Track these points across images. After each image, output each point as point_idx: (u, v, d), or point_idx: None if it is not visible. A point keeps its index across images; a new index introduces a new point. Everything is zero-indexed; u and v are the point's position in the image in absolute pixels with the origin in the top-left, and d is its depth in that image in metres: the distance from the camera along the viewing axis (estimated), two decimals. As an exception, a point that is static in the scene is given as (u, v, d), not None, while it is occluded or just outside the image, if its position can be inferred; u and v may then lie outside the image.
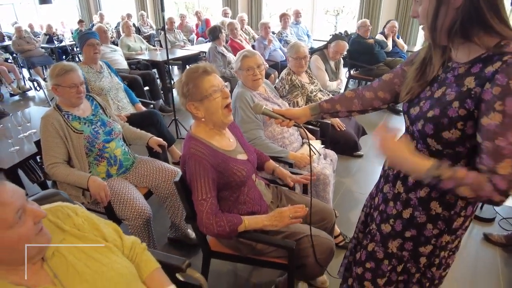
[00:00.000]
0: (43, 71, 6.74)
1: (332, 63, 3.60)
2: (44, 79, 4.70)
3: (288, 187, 1.82)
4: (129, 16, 8.88)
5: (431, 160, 0.91)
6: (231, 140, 1.55)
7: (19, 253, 0.88)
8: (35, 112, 2.52)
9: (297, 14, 6.31)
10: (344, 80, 5.69)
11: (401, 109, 1.15)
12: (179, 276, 1.25)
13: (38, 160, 2.46)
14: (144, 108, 3.16)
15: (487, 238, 2.40)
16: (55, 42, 7.32)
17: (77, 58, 7.50)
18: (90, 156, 1.96)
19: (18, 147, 2.19)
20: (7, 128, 2.13)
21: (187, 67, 6.10)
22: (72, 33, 9.13)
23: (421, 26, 0.97)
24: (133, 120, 2.65)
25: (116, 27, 8.73)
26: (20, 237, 0.86)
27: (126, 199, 1.85)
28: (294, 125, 1.38)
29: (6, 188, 0.87)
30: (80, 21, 8.22)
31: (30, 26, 8.79)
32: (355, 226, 1.44)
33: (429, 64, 1.01)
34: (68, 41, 7.78)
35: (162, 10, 3.20)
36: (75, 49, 7.87)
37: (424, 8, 0.90)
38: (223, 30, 4.48)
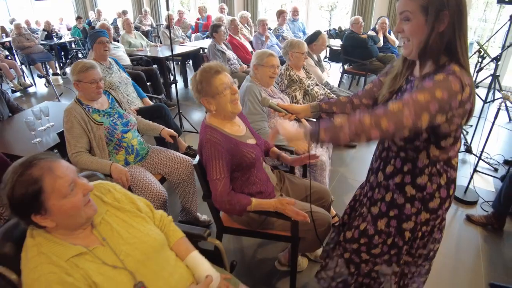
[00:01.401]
0: (43, 68, 6.85)
1: (315, 57, 3.86)
2: (43, 76, 4.83)
3: (290, 172, 2.04)
4: (125, 12, 8.98)
5: (302, 130, 1.18)
6: (241, 127, 1.76)
7: (73, 219, 1.08)
8: (51, 107, 2.70)
9: (295, 11, 6.50)
10: (338, 75, 5.93)
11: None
12: (200, 245, 1.46)
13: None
14: (151, 102, 3.35)
15: (469, 218, 2.65)
16: (54, 38, 7.40)
17: (80, 54, 7.58)
18: (110, 145, 2.15)
19: (40, 139, 2.38)
20: (30, 122, 2.31)
21: (187, 63, 6.27)
22: (68, 30, 9.23)
23: (402, 42, 1.17)
24: (142, 113, 2.83)
25: (112, 23, 8.82)
26: (72, 205, 1.05)
27: (144, 183, 2.05)
28: (295, 119, 1.62)
29: (61, 164, 1.08)
30: (78, 18, 8.30)
31: (27, 22, 8.83)
32: None
33: (399, 76, 1.24)
34: (68, 37, 7.85)
35: (167, 9, 3.38)
36: (73, 45, 7.97)
37: (414, 29, 1.07)
38: (222, 28, 4.61)
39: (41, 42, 7.14)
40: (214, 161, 1.55)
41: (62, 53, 7.76)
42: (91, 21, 9.17)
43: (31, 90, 6.36)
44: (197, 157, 1.70)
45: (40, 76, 5.99)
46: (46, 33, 7.60)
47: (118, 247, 1.15)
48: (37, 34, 7.50)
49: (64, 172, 1.06)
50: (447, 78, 0.99)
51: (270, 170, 1.89)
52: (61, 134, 2.18)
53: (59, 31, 8.43)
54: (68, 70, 7.49)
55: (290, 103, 2.80)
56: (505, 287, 2.03)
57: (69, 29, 9.28)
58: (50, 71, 6.96)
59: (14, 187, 0.99)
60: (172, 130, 2.46)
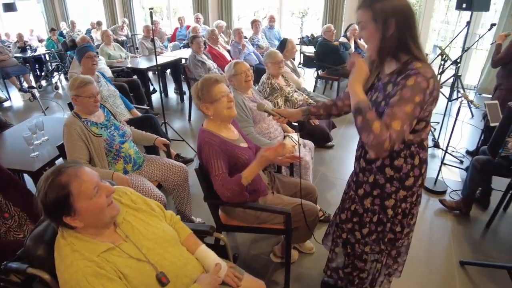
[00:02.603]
0: (19, 81, 6.76)
1: (289, 63, 4.11)
2: (29, 90, 4.84)
3: (278, 172, 2.25)
4: (99, 23, 8.97)
5: (366, 97, 1.29)
6: (235, 132, 1.97)
7: (99, 218, 1.23)
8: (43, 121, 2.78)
9: (271, 19, 6.77)
10: (312, 80, 6.22)
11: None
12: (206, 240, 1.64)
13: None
14: (139, 113, 3.48)
15: (442, 202, 2.95)
16: (28, 51, 7.32)
17: (60, 67, 7.47)
18: (109, 156, 2.29)
19: (37, 153, 2.47)
20: (27, 137, 2.40)
21: (166, 72, 6.36)
22: (40, 41, 9.09)
23: (365, 47, 1.42)
24: (132, 124, 2.96)
25: (86, 34, 8.77)
26: (97, 206, 1.21)
27: (144, 190, 2.20)
28: (287, 123, 1.84)
29: (86, 170, 1.23)
30: (52, 30, 8.24)
31: (-3, 35, 8.69)
32: (331, 204, 1.90)
33: (370, 75, 1.45)
34: (43, 49, 7.76)
35: (152, 22, 3.53)
36: (47, 57, 7.86)
37: (368, 36, 1.33)
38: (199, 39, 4.72)
39: (15, 55, 7.04)
40: (213, 160, 1.74)
41: (37, 65, 7.66)
42: (64, 32, 9.09)
43: (6, 104, 6.27)
44: (198, 162, 1.88)
45: (25, 91, 5.90)
46: (18, 45, 7.48)
47: (140, 243, 1.31)
48: (9, 47, 7.38)
49: (88, 177, 1.21)
50: (417, 80, 1.22)
51: (261, 170, 2.09)
52: (59, 147, 2.30)
53: (27, 41, 8.25)
54: (44, 83, 7.43)
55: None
56: (473, 262, 2.32)
57: (40, 41, 9.13)
58: (25, 84, 6.87)
59: (47, 192, 1.15)
60: (165, 139, 2.62)
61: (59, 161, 2.48)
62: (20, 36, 7.72)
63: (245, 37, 5.99)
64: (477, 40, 4.01)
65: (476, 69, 6.72)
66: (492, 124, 2.70)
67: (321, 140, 3.41)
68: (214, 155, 1.75)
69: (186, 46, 6.74)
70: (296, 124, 3.09)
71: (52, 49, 7.74)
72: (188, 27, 7.64)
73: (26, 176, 2.78)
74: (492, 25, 3.67)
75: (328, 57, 5.45)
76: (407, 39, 1.28)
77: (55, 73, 7.58)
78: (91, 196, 1.19)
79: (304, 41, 7.09)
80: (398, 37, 1.28)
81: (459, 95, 4.99)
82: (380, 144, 1.17)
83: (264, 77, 3.24)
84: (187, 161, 3.65)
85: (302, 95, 3.59)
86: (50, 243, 1.25)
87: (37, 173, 2.30)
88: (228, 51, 5.71)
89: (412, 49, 1.29)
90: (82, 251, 1.18)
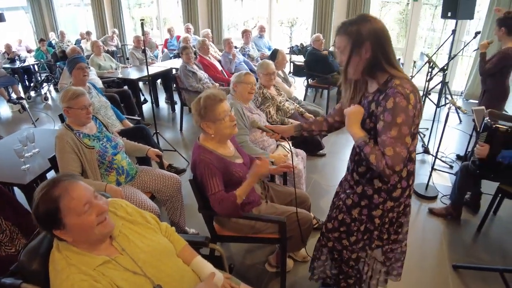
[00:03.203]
0: (7, 92, 6.68)
1: (281, 73, 4.16)
2: (18, 102, 4.79)
3: (271, 181, 2.26)
4: (89, 33, 8.95)
5: (364, 132, 1.40)
6: (231, 148, 1.98)
7: (88, 235, 1.21)
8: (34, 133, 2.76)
9: (262, 29, 6.86)
10: (302, 89, 6.28)
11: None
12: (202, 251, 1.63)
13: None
14: (130, 124, 3.47)
15: (431, 211, 2.98)
16: (17, 62, 7.25)
17: (50, 78, 7.40)
18: (101, 168, 2.27)
19: (28, 165, 2.45)
20: (18, 149, 2.38)
21: (157, 82, 6.34)
22: (28, 52, 9.01)
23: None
24: (124, 135, 2.95)
25: (75, 44, 8.74)
26: (86, 223, 1.18)
27: (138, 201, 2.19)
28: (281, 138, 1.88)
29: (79, 186, 1.22)
30: (41, 40, 8.17)
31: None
32: (324, 211, 1.92)
33: (356, 93, 1.53)
34: (32, 60, 7.70)
35: (143, 34, 3.54)
36: (36, 68, 7.80)
37: (346, 59, 1.39)
38: (189, 49, 4.74)
39: (3, 65, 6.96)
40: (209, 179, 1.75)
41: (26, 76, 7.59)
42: (54, 42, 9.04)
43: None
44: (191, 174, 1.88)
45: (14, 102, 5.82)
46: (8, 56, 7.41)
47: (136, 255, 1.31)
48: (-3, 57, 7.32)
49: (79, 194, 1.20)
50: (395, 101, 1.28)
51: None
52: (51, 159, 2.28)
53: (15, 51, 8.18)
54: (33, 93, 7.35)
55: (266, 118, 3.05)
56: (465, 266, 2.35)
57: (28, 51, 9.06)
58: (14, 95, 6.79)
59: (39, 203, 1.15)
60: (157, 150, 2.61)
61: (51, 173, 2.45)
62: (8, 47, 7.65)
63: (235, 47, 6.04)
64: (463, 48, 4.10)
65: (463, 75, 6.86)
66: (479, 129, 2.75)
67: (313, 149, 3.45)
68: (209, 174, 1.76)
69: (177, 56, 6.76)
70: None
71: (41, 60, 7.68)
72: (178, 37, 7.67)
73: (16, 189, 2.74)
74: (477, 33, 3.77)
75: (317, 66, 5.51)
76: (381, 60, 1.35)
77: (45, 84, 7.52)
78: (80, 213, 1.17)
79: (293, 51, 7.17)
80: (373, 58, 1.35)
81: (447, 101, 5.09)
82: (383, 171, 1.30)
83: (256, 86, 3.26)
84: (179, 171, 3.64)
85: (294, 104, 3.63)
86: (44, 257, 1.24)
87: (28, 186, 2.27)
88: (219, 61, 5.74)
89: (387, 69, 1.36)
90: (78, 264, 1.17)
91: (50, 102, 6.93)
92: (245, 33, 6.27)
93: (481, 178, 2.77)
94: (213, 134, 1.84)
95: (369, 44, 1.33)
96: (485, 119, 2.56)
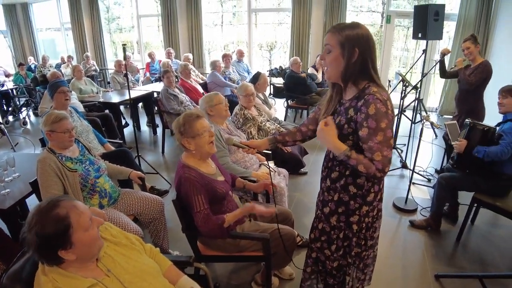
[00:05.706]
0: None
1: (261, 95, 4.27)
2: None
3: (254, 199, 2.30)
4: (70, 58, 8.93)
5: (345, 145, 1.44)
6: (212, 166, 2.02)
7: (91, 250, 1.24)
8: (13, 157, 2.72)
9: (241, 54, 7.04)
10: (283, 110, 6.41)
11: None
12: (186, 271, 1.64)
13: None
14: (112, 148, 3.46)
15: (412, 223, 3.06)
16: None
17: (30, 102, 7.29)
18: (84, 190, 2.26)
19: (8, 190, 2.41)
20: (-2, 174, 2.35)
21: (138, 106, 6.35)
22: (6, 76, 8.88)
23: (325, 68, 1.53)
24: (107, 158, 2.95)
25: (56, 68, 8.69)
26: (92, 237, 1.22)
27: (121, 224, 2.18)
28: (257, 152, 1.90)
29: (79, 203, 1.25)
30: (21, 64, 8.10)
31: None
32: (308, 228, 1.96)
33: (331, 100, 1.58)
34: (11, 84, 7.59)
35: (125, 58, 3.59)
36: (15, 92, 7.68)
37: (332, 59, 1.44)
38: (170, 73, 4.83)
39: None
40: (194, 196, 1.78)
41: (4, 100, 7.47)
42: (33, 67, 8.97)
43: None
44: (174, 193, 1.90)
45: None
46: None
47: (122, 276, 1.31)
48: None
49: (85, 208, 1.24)
50: (377, 107, 1.34)
51: (238, 200, 2.14)
52: (32, 183, 2.25)
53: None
54: (11, 118, 7.23)
55: (247, 139, 3.10)
56: (447, 275, 2.42)
57: (7, 76, 8.93)
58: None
59: (45, 226, 1.12)
60: (140, 172, 2.62)
61: (31, 198, 2.42)
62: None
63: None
64: (434, 66, 4.31)
65: (437, 92, 7.16)
66: (452, 143, 2.89)
67: (295, 167, 3.51)
68: (195, 191, 1.79)
69: (158, 79, 6.81)
70: (270, 152, 3.18)
71: (20, 84, 7.60)
72: (160, 61, 7.75)
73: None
74: (424, 51, 4.18)
75: (296, 88, 5.68)
76: (368, 65, 1.41)
77: (24, 109, 7.41)
78: (87, 227, 1.21)
79: (273, 73, 7.36)
80: (360, 63, 1.40)
81: (422, 117, 5.29)
82: (374, 176, 1.37)
83: (237, 108, 3.35)
84: (162, 193, 3.64)
85: (274, 124, 3.71)
86: (28, 282, 1.23)
87: (7, 211, 2.23)
88: (201, 84, 5.83)
89: (372, 75, 1.42)
90: (66, 287, 1.17)
91: (29, 126, 6.83)
92: (225, 58, 6.43)
93: (459, 189, 2.88)
94: (194, 150, 1.88)
95: (358, 49, 1.37)
96: (466, 120, 2.85)
